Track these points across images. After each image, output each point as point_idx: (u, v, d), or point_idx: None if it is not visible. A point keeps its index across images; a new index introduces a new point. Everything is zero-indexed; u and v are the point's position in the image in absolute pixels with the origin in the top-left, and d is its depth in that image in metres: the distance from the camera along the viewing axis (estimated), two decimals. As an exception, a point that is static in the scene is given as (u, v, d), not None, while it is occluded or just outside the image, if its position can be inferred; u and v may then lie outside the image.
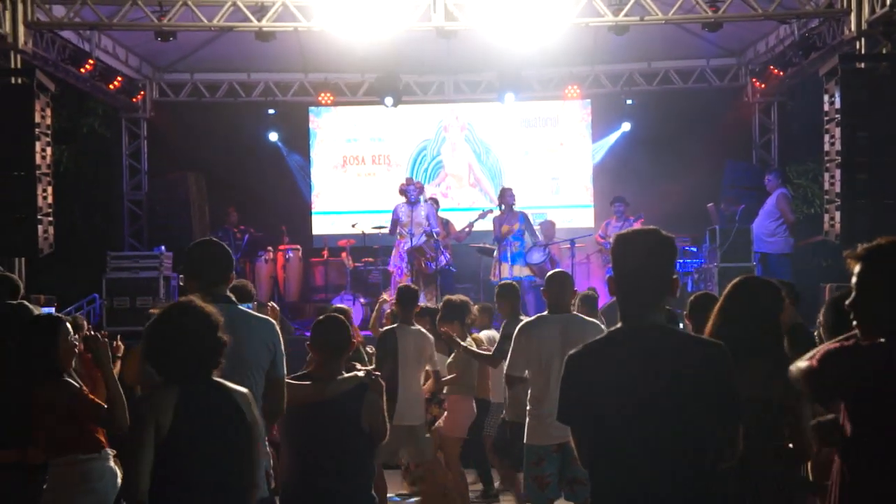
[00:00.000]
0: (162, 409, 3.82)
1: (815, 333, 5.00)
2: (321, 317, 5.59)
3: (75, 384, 5.35)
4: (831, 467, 3.55)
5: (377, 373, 5.40)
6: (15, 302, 6.31)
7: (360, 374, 5.28)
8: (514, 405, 7.67)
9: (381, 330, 8.70)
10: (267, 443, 5.08)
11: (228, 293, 4.84)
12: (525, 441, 6.99)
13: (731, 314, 4.55)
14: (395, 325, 8.36)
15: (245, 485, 3.97)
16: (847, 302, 3.42)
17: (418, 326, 8.42)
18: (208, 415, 3.87)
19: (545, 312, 7.13)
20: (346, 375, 5.24)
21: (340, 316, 5.67)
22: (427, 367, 8.28)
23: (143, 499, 3.80)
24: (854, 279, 3.40)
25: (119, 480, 5.48)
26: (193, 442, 3.82)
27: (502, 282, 8.90)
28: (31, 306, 6.31)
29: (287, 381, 4.93)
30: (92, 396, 5.31)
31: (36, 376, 5.33)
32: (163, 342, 3.95)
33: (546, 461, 6.81)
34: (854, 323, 3.41)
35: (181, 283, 4.96)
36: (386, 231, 14.57)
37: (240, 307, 4.77)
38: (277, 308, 6.85)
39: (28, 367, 5.35)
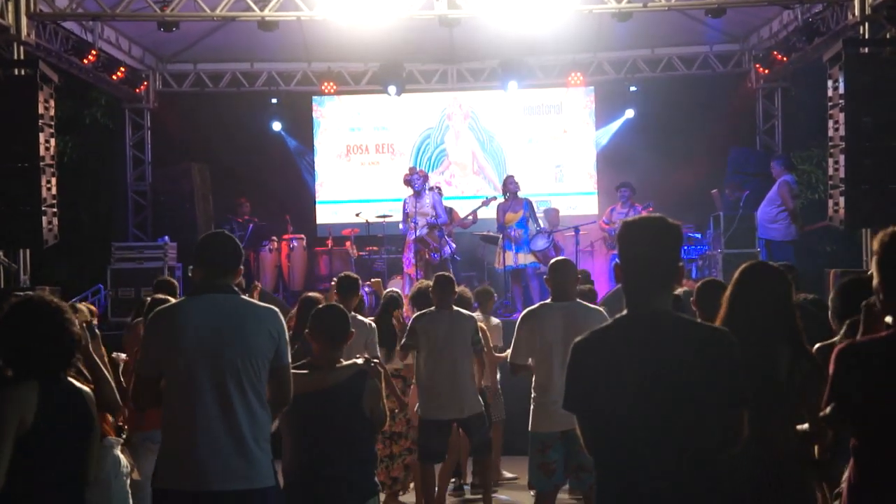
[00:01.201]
0: (25, 405, 3.90)
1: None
2: (321, 306, 5.60)
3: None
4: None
5: (376, 360, 5.42)
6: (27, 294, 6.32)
7: (360, 361, 5.30)
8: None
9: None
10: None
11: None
12: (530, 428, 7.00)
13: (743, 299, 4.54)
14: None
15: (86, 481, 4.13)
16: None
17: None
18: (64, 411, 3.96)
19: (549, 300, 7.12)
20: (346, 363, 5.27)
21: (339, 305, 5.67)
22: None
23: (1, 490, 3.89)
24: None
25: (124, 469, 5.48)
26: (50, 438, 3.91)
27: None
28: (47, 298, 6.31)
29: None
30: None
31: None
32: (15, 338, 4.02)
33: (551, 448, 6.82)
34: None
35: (189, 274, 4.95)
36: (391, 219, 14.60)
37: (243, 297, 4.76)
38: (260, 285, 6.89)
39: None
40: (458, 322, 8.06)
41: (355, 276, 8.62)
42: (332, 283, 9.05)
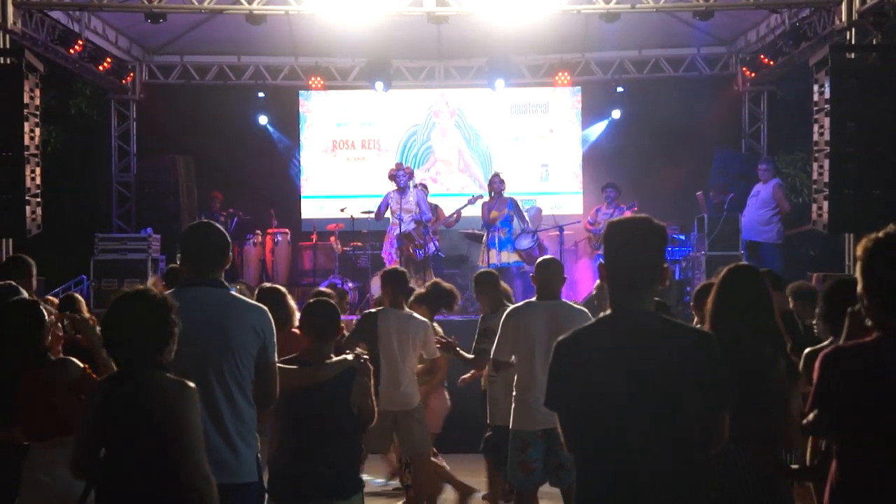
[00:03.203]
0: (94, 403, 3.92)
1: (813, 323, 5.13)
2: (310, 300, 5.59)
3: (79, 363, 5.33)
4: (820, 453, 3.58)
5: (365, 356, 5.41)
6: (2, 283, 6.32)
7: (349, 357, 5.30)
8: (495, 408, 7.81)
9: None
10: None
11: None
12: (511, 426, 7.00)
13: (728, 301, 4.63)
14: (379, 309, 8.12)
15: (190, 476, 3.95)
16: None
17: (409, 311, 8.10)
18: (132, 410, 3.90)
19: (533, 298, 7.14)
20: (336, 359, 5.26)
21: (329, 300, 5.66)
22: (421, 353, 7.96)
23: (85, 475, 3.98)
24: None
25: None
26: (118, 435, 3.89)
27: (480, 271, 8.62)
28: (20, 288, 6.30)
29: (278, 365, 4.92)
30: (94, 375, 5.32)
31: (28, 356, 5.32)
32: (105, 328, 4.00)
33: (531, 447, 6.83)
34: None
35: (176, 265, 4.90)
36: (374, 215, 14.58)
37: (231, 292, 4.74)
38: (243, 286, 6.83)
39: (19, 347, 5.33)
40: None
41: (403, 269, 8.38)
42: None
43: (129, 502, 3.89)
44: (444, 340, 7.86)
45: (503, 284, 8.88)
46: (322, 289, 8.74)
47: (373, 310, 8.19)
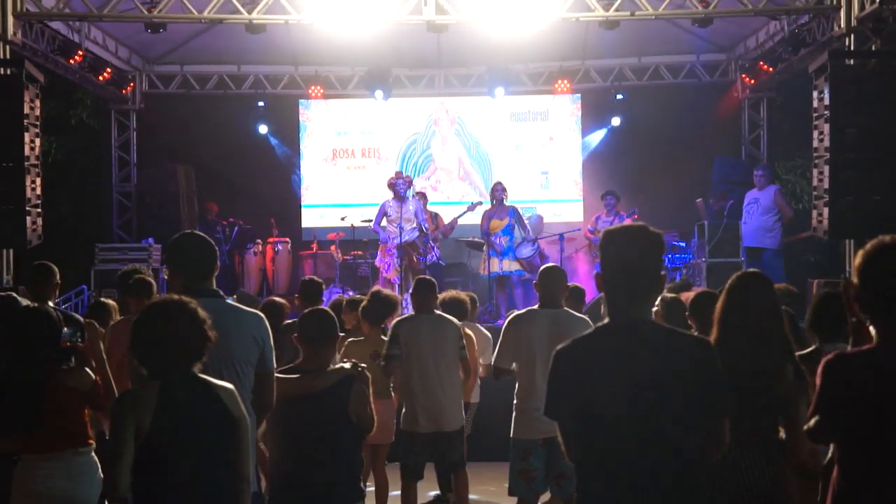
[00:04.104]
0: (142, 408, 3.80)
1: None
2: (308, 310, 5.59)
3: (92, 374, 5.29)
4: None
5: (363, 365, 5.40)
6: (3, 294, 6.32)
7: (347, 366, 5.29)
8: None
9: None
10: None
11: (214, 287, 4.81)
12: (512, 435, 7.01)
13: (737, 308, 4.67)
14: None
15: (233, 479, 3.95)
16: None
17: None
18: (188, 411, 3.85)
19: (535, 306, 7.13)
20: (334, 367, 5.26)
21: (328, 309, 5.66)
22: None
23: (125, 495, 3.78)
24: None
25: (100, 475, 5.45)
26: (173, 438, 3.80)
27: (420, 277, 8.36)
28: (19, 298, 6.29)
29: (276, 374, 4.92)
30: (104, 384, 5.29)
31: (48, 364, 5.27)
32: (145, 336, 3.93)
33: (533, 455, 6.83)
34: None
35: (166, 277, 4.86)
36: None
37: (227, 301, 4.74)
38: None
39: (37, 355, 5.27)
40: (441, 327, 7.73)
41: (430, 278, 8.13)
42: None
43: None
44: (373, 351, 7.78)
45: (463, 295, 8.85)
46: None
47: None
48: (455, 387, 7.64)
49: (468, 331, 8.44)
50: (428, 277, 8.10)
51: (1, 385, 5.22)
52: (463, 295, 9.07)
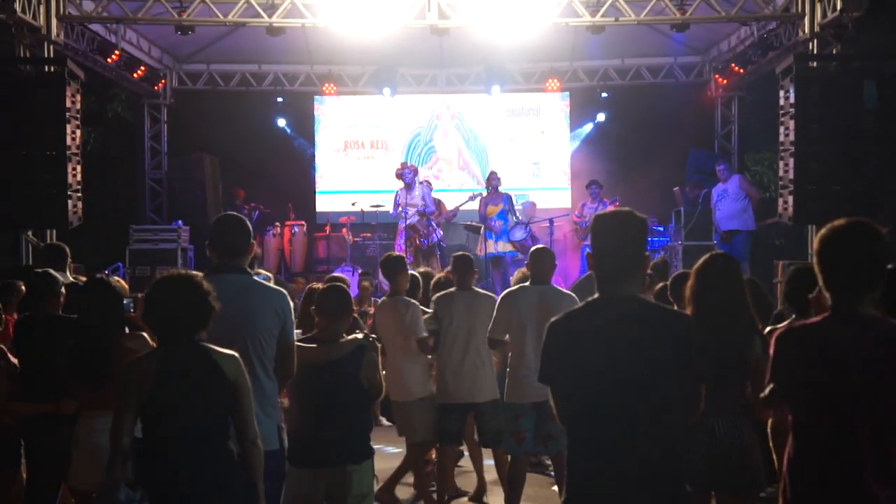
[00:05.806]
0: (143, 373, 3.83)
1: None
2: (326, 286, 5.60)
3: (149, 339, 5.25)
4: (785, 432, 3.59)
5: (374, 336, 5.43)
6: (41, 270, 6.33)
7: (360, 336, 5.32)
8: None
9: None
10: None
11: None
12: (504, 399, 7.03)
13: (705, 286, 4.73)
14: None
15: (235, 439, 3.97)
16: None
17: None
18: (187, 377, 3.85)
19: (527, 283, 7.15)
20: (348, 338, 5.27)
21: (342, 284, 5.68)
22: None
23: (124, 449, 3.80)
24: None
25: None
26: (171, 402, 3.82)
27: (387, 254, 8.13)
28: (55, 273, 6.30)
29: (296, 343, 4.94)
30: None
31: (114, 329, 5.31)
32: (152, 306, 3.97)
33: (523, 417, 6.83)
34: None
35: (206, 253, 4.88)
36: (383, 209, 14.63)
37: (254, 278, 4.76)
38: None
39: (103, 322, 5.30)
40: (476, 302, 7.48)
41: (468, 255, 7.78)
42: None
43: (179, 471, 3.82)
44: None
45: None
46: (336, 275, 8.59)
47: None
48: (489, 359, 7.47)
49: None
50: (466, 254, 7.84)
51: (81, 349, 5.28)
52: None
